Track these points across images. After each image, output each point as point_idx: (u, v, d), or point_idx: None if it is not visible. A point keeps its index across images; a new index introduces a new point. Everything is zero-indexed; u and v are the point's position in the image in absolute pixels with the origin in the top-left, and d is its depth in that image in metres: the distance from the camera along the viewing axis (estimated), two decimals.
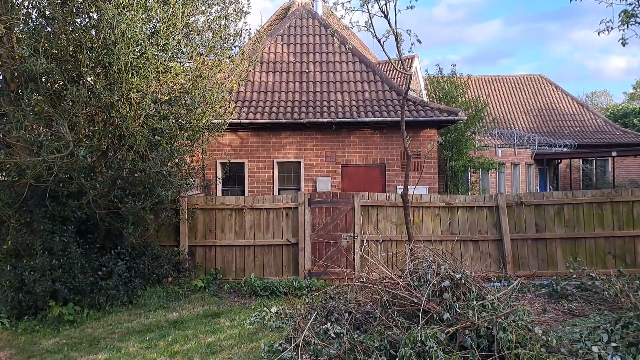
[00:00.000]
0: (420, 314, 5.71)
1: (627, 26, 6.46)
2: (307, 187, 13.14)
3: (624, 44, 6.28)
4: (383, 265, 9.06)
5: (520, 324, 5.65)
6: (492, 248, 10.21)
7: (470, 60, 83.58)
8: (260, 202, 10.40)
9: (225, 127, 10.65)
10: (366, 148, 13.20)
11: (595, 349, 5.64)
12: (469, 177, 17.29)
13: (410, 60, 21.89)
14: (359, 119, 12.71)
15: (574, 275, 9.08)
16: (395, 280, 6.42)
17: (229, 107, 11.01)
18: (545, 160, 22.26)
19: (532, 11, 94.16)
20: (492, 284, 9.33)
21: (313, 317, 6.92)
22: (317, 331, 6.70)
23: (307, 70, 14.33)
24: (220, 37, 9.53)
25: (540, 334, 5.84)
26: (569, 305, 7.89)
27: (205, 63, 9.50)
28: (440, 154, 15.76)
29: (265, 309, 8.12)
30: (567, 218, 10.08)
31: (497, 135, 20.07)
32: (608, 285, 7.94)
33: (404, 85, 20.19)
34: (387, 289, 6.41)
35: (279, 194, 12.87)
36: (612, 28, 6.52)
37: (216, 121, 10.19)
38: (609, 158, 22.49)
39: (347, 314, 6.87)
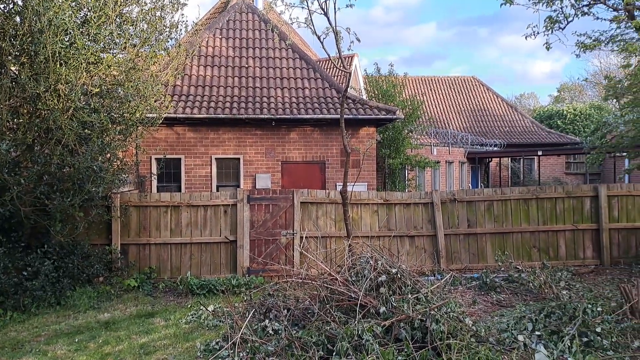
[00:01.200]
0: (358, 309, 5.80)
1: (552, 31, 6.83)
2: (247, 184, 13.01)
3: (548, 48, 6.65)
4: (322, 262, 9.15)
5: (452, 316, 5.86)
6: (427, 243, 10.54)
7: (406, 61, 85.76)
8: (198, 199, 10.19)
9: (161, 121, 10.34)
10: (306, 145, 13.23)
11: (520, 337, 5.94)
12: (407, 175, 17.74)
13: (350, 58, 22.15)
14: (298, 116, 12.71)
15: (502, 268, 9.54)
16: (333, 275, 6.48)
17: (164, 100, 10.68)
18: (477, 159, 23.23)
19: (464, 15, 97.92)
20: (426, 277, 9.64)
21: (251, 314, 6.87)
22: (254, 328, 6.65)
23: (246, 66, 14.16)
24: (156, 28, 9.23)
25: (470, 325, 6.09)
26: (497, 296, 8.28)
27: (140, 55, 9.16)
28: (379, 152, 16.06)
29: (202, 307, 7.97)
30: (497, 214, 10.58)
31: (432, 134, 20.71)
32: (533, 278, 8.40)
33: (343, 83, 20.41)
34: (325, 284, 6.47)
35: (217, 190, 12.65)
36: (538, 33, 6.87)
37: (151, 115, 9.86)
38: (535, 157, 23.80)
39: (285, 311, 6.86)
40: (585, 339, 5.79)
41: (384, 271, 6.37)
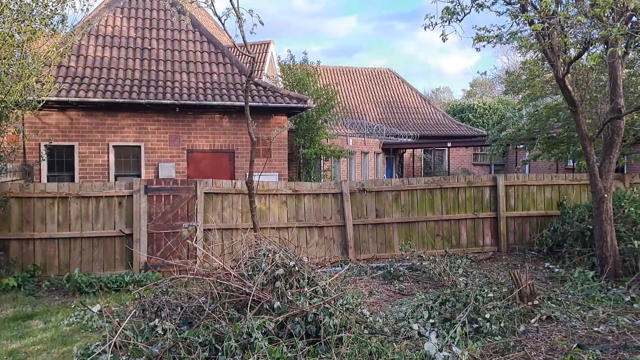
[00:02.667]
0: (249, 304, 5.49)
1: (449, 23, 6.82)
2: (149, 174, 12.25)
3: (444, 40, 6.64)
4: (223, 255, 8.73)
5: (348, 308, 5.71)
6: (336, 233, 10.43)
7: (329, 52, 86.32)
8: (89, 189, 9.39)
9: (42, 104, 9.36)
10: (214, 133, 12.68)
11: (415, 326, 5.92)
12: (322, 165, 17.65)
13: (265, 45, 21.69)
14: (205, 102, 12.12)
15: (407, 257, 9.63)
16: (227, 270, 6.11)
17: (48, 81, 9.71)
18: (391, 150, 23.69)
19: (384, 10, 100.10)
20: (334, 268, 9.53)
21: (133, 313, 6.40)
22: (141, 329, 6.17)
23: (149, 47, 13.30)
24: (38, 1, 8.30)
25: (367, 315, 5.99)
26: (400, 285, 8.30)
27: (19, 29, 8.21)
28: (293, 142, 15.81)
29: (87, 307, 7.31)
30: (404, 203, 10.67)
31: (348, 125, 20.78)
32: (434, 266, 8.51)
33: (256, 71, 19.92)
34: (218, 280, 6.09)
35: (116, 181, 11.78)
36: (435, 24, 6.83)
37: (32, 98, 8.90)
38: (445, 148, 24.65)
39: (179, 309, 6.43)
40: (475, 325, 5.86)
41: (281, 264, 6.10)
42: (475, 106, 33.69)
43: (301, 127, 15.64)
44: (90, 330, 6.68)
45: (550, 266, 8.94)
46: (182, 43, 13.78)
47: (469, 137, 26.49)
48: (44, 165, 11.84)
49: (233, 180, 10.23)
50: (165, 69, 13.03)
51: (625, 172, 13.69)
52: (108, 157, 12.17)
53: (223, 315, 5.52)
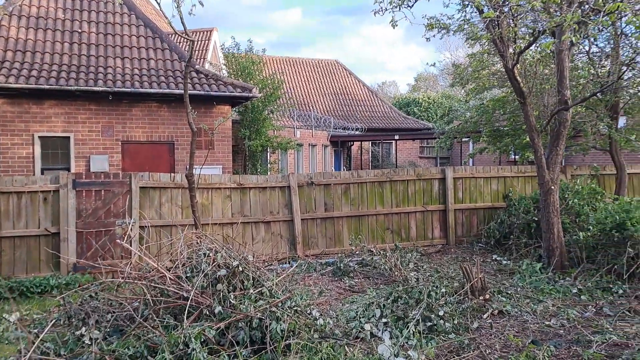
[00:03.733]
0: (187, 310, 4.99)
1: (399, 8, 6.52)
2: (80, 167, 11.33)
3: (394, 26, 6.35)
4: (159, 255, 8.11)
5: (296, 310, 5.31)
6: (284, 229, 10.00)
7: (274, 45, 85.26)
8: (9, 184, 8.49)
9: None
10: (151, 123, 11.89)
11: (367, 326, 5.60)
12: (268, 157, 17.13)
13: (208, 32, 20.86)
14: (141, 90, 11.32)
15: (357, 252, 9.35)
16: (162, 272, 5.56)
17: None
18: (339, 142, 23.46)
19: (328, 6, 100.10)
20: (282, 266, 9.12)
21: (61, 321, 5.73)
22: (66, 339, 5.54)
23: (80, 30, 12.30)
24: None
25: (317, 317, 5.61)
26: (350, 281, 8.00)
27: None
28: (238, 133, 15.21)
29: (5, 315, 6.54)
30: (353, 197, 10.38)
31: (295, 117, 20.34)
32: (385, 260, 8.26)
33: (199, 59, 19.09)
34: (152, 284, 5.53)
35: (43, 174, 10.82)
36: (385, 9, 6.52)
37: None
38: (393, 141, 24.73)
39: (109, 315, 5.81)
40: (429, 323, 5.62)
41: (223, 265, 5.61)
42: (420, 100, 34.10)
43: (246, 118, 15.05)
44: (7, 342, 5.94)
45: (498, 258, 8.91)
46: (117, 27, 12.85)
47: (415, 130, 26.68)
48: None
49: (172, 174, 9.57)
50: (98, 54, 12.10)
51: (564, 164, 14.06)
52: (33, 149, 11.15)
53: (157, 323, 4.98)
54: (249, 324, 4.93)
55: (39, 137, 11.21)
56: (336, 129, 23.35)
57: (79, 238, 8.76)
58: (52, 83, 10.83)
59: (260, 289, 5.51)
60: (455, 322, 5.67)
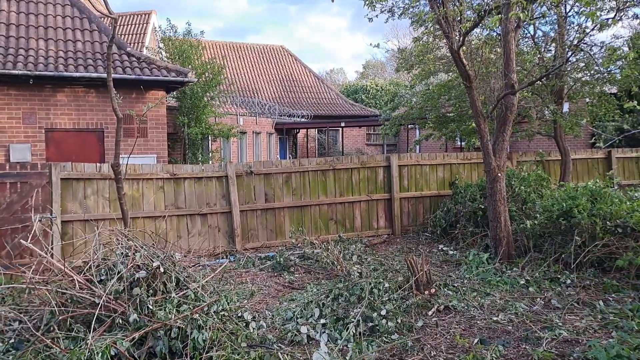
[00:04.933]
0: (96, 318, 4.39)
1: None
2: None
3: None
4: (70, 256, 7.41)
5: (223, 316, 4.80)
6: (222, 221, 9.41)
7: (220, 32, 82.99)
8: None
9: None
10: (78, 109, 10.95)
11: (304, 329, 5.17)
12: (210, 146, 16.35)
13: (146, 15, 19.75)
14: (65, 73, 10.36)
15: (299, 244, 8.91)
16: (71, 275, 4.90)
17: None
18: (285, 130, 22.87)
19: None
20: (218, 261, 8.55)
21: None
22: None
23: None
24: None
25: (249, 321, 5.13)
26: (290, 277, 7.55)
27: None
28: (176, 121, 14.37)
29: None
30: (295, 186, 9.90)
31: (239, 103, 19.58)
32: (327, 253, 7.84)
33: (135, 43, 18.00)
34: (59, 288, 4.87)
35: None
36: None
37: None
38: (339, 129, 24.38)
39: (17, 324, 5.12)
40: (370, 324, 5.24)
41: (143, 265, 5.02)
42: (368, 87, 33.93)
43: (185, 104, 14.23)
44: None
45: (445, 248, 8.69)
46: (40, 6, 11.76)
47: (362, 117, 26.41)
48: None
49: (98, 164, 8.77)
50: (18, 35, 11.02)
51: (509, 150, 14.09)
52: None
53: (59, 335, 4.34)
54: (168, 333, 4.39)
55: None
56: (281, 116, 22.75)
57: None
58: None
59: (185, 291, 4.96)
60: (399, 320, 5.32)
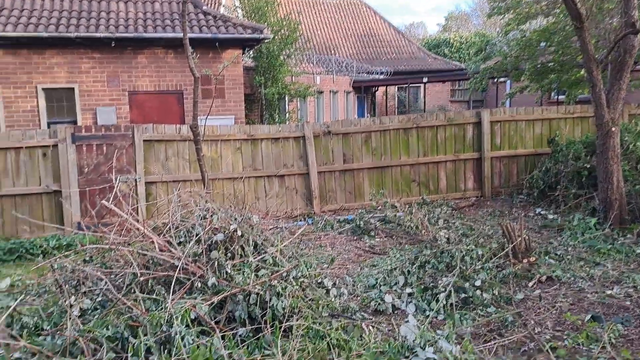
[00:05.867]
0: (176, 281, 4.27)
1: None
2: (86, 120, 10.66)
3: None
4: (156, 215, 7.46)
5: (303, 282, 4.53)
6: (299, 183, 9.17)
7: None
8: (5, 139, 7.90)
9: None
10: (158, 71, 11.02)
11: (388, 298, 4.81)
12: (286, 106, 16.12)
13: None
14: (145, 35, 10.41)
15: (379, 207, 8.48)
16: (150, 237, 4.83)
17: None
18: (363, 88, 22.12)
19: None
20: (296, 223, 8.36)
21: (54, 288, 5.12)
22: (51, 311, 4.95)
23: None
24: None
25: (329, 288, 4.83)
26: (371, 241, 7.18)
27: None
28: (253, 81, 14.21)
29: None
30: (375, 146, 9.40)
31: (315, 62, 19.09)
32: (410, 217, 7.36)
33: (213, 3, 17.88)
34: (140, 249, 4.82)
35: (49, 128, 10.20)
36: None
37: None
38: (421, 85, 23.20)
39: (103, 283, 5.18)
40: (463, 295, 4.77)
41: (221, 228, 4.83)
42: (451, 40, 32.02)
43: (261, 64, 13.98)
44: None
45: (543, 212, 7.88)
46: None
47: (446, 72, 24.86)
48: None
49: (178, 125, 8.76)
50: None
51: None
52: (37, 101, 10.50)
53: (140, 297, 4.27)
54: (247, 298, 4.19)
55: (43, 89, 10.54)
56: (359, 73, 21.93)
57: (82, 196, 8.17)
58: (51, 30, 10.05)
59: (263, 256, 4.74)
60: (496, 292, 4.80)
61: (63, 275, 5.45)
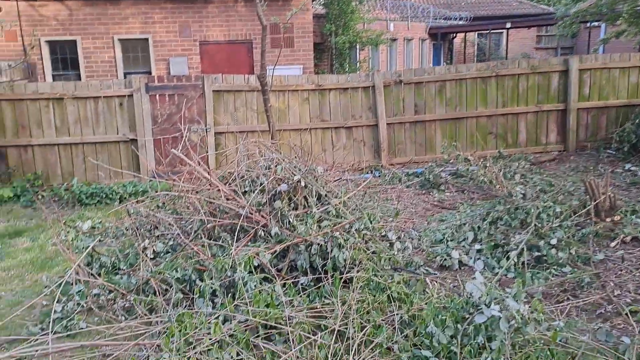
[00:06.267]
0: (240, 229, 4.33)
1: None
2: (160, 70, 10.94)
3: None
4: (223, 163, 7.62)
5: (365, 234, 4.44)
6: (367, 134, 8.96)
7: None
8: (85, 89, 8.24)
9: None
10: (228, 21, 11.00)
11: (455, 253, 4.63)
12: (357, 55, 15.68)
13: None
14: None
15: (451, 161, 8.14)
16: (217, 185, 4.90)
17: None
18: (439, 35, 21.02)
19: None
20: (363, 175, 8.23)
21: (130, 231, 5.39)
22: (126, 254, 5.24)
23: None
24: None
25: (393, 241, 4.73)
26: (440, 195, 6.93)
27: None
28: (323, 29, 13.88)
29: (79, 223, 6.47)
30: (449, 96, 8.94)
31: (389, 7, 18.27)
32: (484, 171, 7.01)
33: None
34: (207, 198, 4.92)
35: (125, 78, 10.58)
36: None
37: None
38: (504, 30, 21.67)
39: (175, 228, 5.39)
40: (536, 254, 4.49)
41: (285, 179, 4.81)
42: None
43: (332, 11, 13.57)
44: (77, 251, 5.79)
45: (634, 168, 7.22)
46: None
47: (532, 16, 22.90)
48: (47, 63, 10.73)
49: (246, 76, 8.75)
50: None
51: None
52: (114, 52, 10.88)
53: (206, 243, 4.38)
54: (308, 248, 4.17)
55: (119, 39, 10.87)
56: (436, 19, 20.77)
57: (156, 144, 8.47)
58: None
59: (326, 207, 4.68)
60: (573, 251, 4.49)
61: (138, 220, 5.74)
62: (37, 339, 3.33)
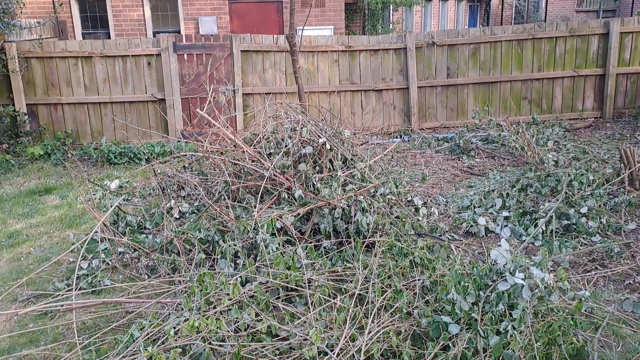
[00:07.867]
0: (261, 191, 4.32)
1: None
2: (189, 29, 10.86)
3: None
4: (252, 125, 7.58)
5: (390, 199, 4.38)
6: (397, 98, 8.77)
7: None
8: (113, 47, 8.23)
9: None
10: None
11: (482, 220, 4.54)
12: (391, 16, 15.23)
13: None
14: None
15: (483, 126, 7.92)
16: (241, 147, 4.88)
17: None
18: None
19: None
20: (392, 140, 8.10)
21: (156, 191, 5.46)
22: (152, 213, 5.31)
23: None
24: None
25: (419, 205, 4.66)
26: (470, 161, 6.78)
27: None
28: None
29: (107, 182, 6.57)
30: (483, 59, 8.63)
31: None
32: (516, 137, 6.80)
33: None
34: (232, 159, 4.90)
35: (155, 37, 10.55)
36: None
37: None
38: None
39: (200, 188, 5.43)
40: (565, 222, 4.37)
41: (310, 141, 4.75)
42: None
43: None
44: (104, 209, 5.91)
45: None
46: None
47: None
48: (77, 22, 10.76)
49: (274, 36, 8.60)
50: None
51: None
52: (143, 10, 10.82)
53: (229, 204, 4.40)
54: (332, 212, 4.14)
55: None
56: None
57: (184, 105, 8.48)
58: None
59: (351, 171, 4.62)
60: (604, 220, 4.35)
61: (165, 180, 5.79)
62: (62, 295, 3.44)
